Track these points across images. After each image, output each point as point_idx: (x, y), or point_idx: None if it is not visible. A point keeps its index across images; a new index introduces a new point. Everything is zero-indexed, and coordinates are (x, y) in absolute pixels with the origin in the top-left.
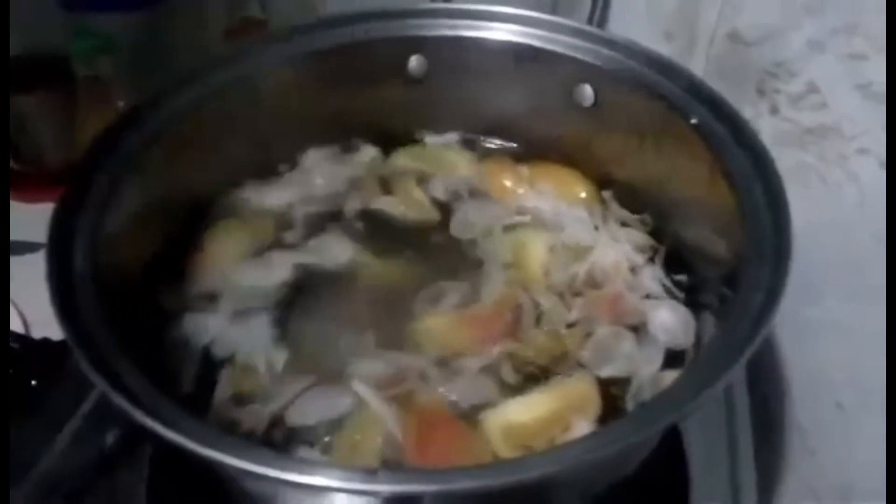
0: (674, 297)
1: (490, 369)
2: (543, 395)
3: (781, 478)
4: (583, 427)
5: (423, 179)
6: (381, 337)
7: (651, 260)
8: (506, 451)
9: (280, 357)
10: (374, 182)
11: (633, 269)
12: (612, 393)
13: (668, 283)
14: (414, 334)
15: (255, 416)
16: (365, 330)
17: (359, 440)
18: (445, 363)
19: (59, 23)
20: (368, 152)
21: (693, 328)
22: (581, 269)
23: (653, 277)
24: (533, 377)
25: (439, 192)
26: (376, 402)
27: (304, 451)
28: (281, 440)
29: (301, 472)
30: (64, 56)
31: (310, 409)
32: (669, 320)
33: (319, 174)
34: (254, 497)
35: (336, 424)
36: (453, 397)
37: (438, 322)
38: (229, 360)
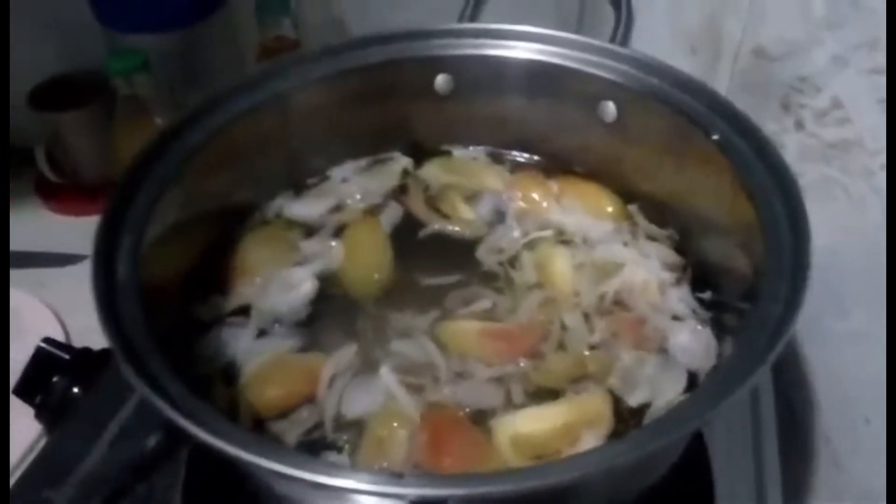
0: (699, 318)
1: (500, 382)
2: (556, 407)
3: (807, 489)
4: (592, 442)
5: (470, 197)
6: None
7: (678, 280)
8: (514, 460)
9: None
10: (419, 192)
11: (662, 289)
12: (628, 414)
13: (695, 304)
14: (441, 333)
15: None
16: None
17: (384, 437)
18: (459, 367)
19: (99, 42)
20: (401, 162)
21: (714, 350)
22: (611, 289)
23: (679, 299)
24: (541, 394)
25: (484, 210)
26: (401, 392)
27: (332, 457)
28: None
29: (331, 475)
30: (103, 74)
31: (355, 402)
32: (690, 342)
33: (354, 186)
34: (283, 499)
35: (361, 426)
36: (458, 398)
37: (466, 327)
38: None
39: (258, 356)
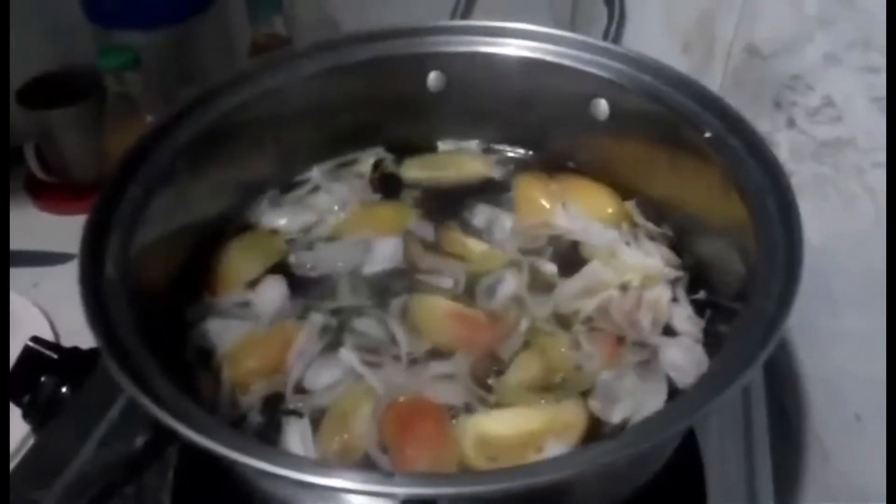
0: (693, 336)
1: (460, 376)
2: (528, 412)
3: (799, 488)
4: (556, 451)
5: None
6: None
7: (678, 280)
8: (474, 459)
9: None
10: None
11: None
12: (608, 430)
13: (696, 319)
14: (412, 303)
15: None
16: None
17: (348, 411)
18: (419, 349)
19: (90, 39)
20: (369, 160)
21: (705, 368)
22: (586, 308)
23: (684, 317)
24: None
25: (480, 222)
26: (362, 368)
27: (294, 421)
28: (269, 413)
29: (321, 475)
30: (94, 71)
31: (318, 375)
32: (681, 359)
33: (329, 196)
34: (272, 497)
35: (327, 392)
36: (433, 394)
37: (436, 304)
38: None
39: (236, 333)
